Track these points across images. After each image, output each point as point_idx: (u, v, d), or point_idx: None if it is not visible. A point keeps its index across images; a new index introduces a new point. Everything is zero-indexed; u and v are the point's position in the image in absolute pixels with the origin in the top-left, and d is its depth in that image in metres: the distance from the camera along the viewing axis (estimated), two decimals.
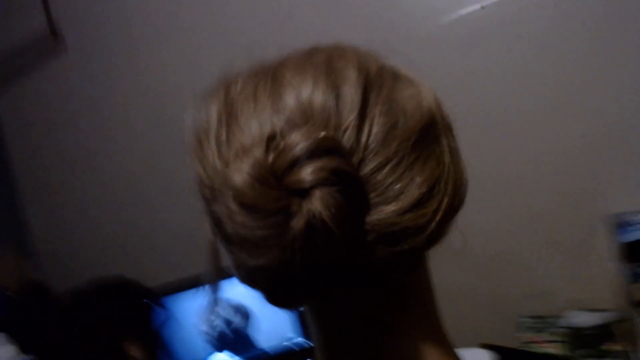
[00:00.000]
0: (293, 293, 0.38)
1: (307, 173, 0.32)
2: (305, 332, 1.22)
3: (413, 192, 0.36)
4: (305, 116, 0.36)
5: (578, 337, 1.15)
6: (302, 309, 0.43)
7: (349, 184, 0.34)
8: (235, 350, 1.22)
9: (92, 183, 1.85)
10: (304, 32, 1.35)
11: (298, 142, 0.33)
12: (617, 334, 1.15)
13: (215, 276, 0.41)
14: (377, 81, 0.39)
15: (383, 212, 0.35)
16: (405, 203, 0.36)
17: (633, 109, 1.22)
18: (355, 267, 0.36)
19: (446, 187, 0.38)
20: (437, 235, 0.38)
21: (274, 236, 0.33)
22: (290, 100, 0.37)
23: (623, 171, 1.25)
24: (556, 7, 1.24)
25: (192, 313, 1.23)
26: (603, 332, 1.14)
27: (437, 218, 0.37)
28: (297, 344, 1.22)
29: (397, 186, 0.36)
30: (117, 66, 1.75)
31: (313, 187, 0.32)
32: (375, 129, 0.36)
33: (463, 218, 0.41)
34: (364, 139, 0.36)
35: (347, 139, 0.36)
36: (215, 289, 0.41)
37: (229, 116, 0.38)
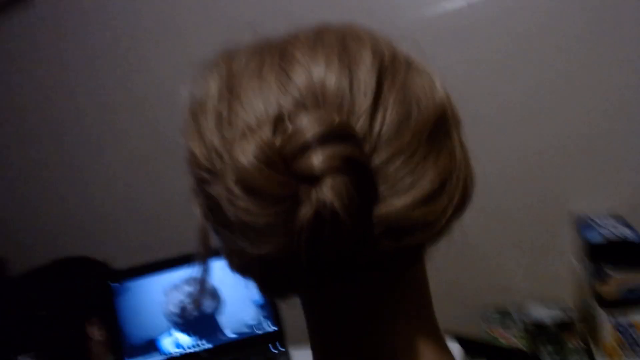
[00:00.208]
0: (290, 283, 0.37)
1: (318, 159, 0.30)
2: (273, 319, 1.21)
3: (425, 187, 0.35)
4: (316, 99, 0.34)
5: (540, 331, 1.19)
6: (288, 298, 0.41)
7: (361, 174, 0.32)
8: (199, 333, 1.20)
9: (54, 154, 1.72)
10: (283, 19, 1.32)
11: (310, 125, 0.31)
12: (577, 329, 1.20)
13: (204, 260, 0.39)
14: (391, 67, 0.37)
15: (392, 205, 0.34)
16: (415, 197, 0.34)
17: (599, 114, 1.26)
18: (357, 260, 0.34)
19: (457, 183, 0.37)
20: (444, 231, 0.37)
21: (279, 224, 0.31)
22: (299, 80, 0.35)
23: (587, 174, 1.30)
24: (532, 11, 1.27)
25: (155, 294, 1.20)
26: (564, 327, 1.18)
27: (448, 214, 0.36)
28: (263, 330, 1.21)
29: (409, 179, 0.34)
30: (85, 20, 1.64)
31: (324, 174, 0.30)
32: (388, 118, 0.35)
33: None
34: (377, 127, 0.34)
35: (360, 126, 0.34)
36: (204, 272, 0.39)
37: (231, 92, 0.36)
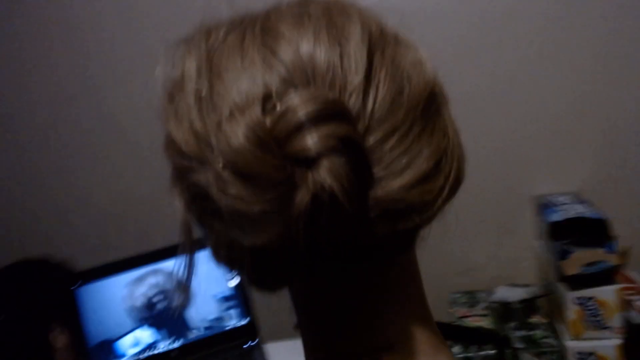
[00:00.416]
0: (284, 274, 0.35)
1: (313, 140, 0.29)
2: (244, 312, 1.20)
3: (420, 166, 0.33)
4: (306, 75, 0.32)
5: (506, 311, 1.22)
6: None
7: (358, 154, 0.30)
8: (166, 328, 1.18)
9: (4, 150, 1.59)
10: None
11: (301, 104, 0.29)
12: (541, 307, 1.23)
13: (189, 254, 0.37)
14: (380, 42, 0.35)
15: (388, 186, 0.32)
16: (411, 177, 0.33)
17: (561, 98, 1.30)
18: (353, 245, 0.33)
19: (452, 162, 0.36)
20: (438, 213, 0.35)
21: (275, 211, 0.29)
22: (286, 55, 0.33)
23: (548, 156, 1.33)
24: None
25: (119, 295, 1.17)
26: (528, 306, 1.21)
27: (444, 194, 0.35)
28: (234, 325, 1.20)
29: (404, 158, 0.33)
30: None
31: (320, 156, 0.29)
32: (381, 95, 0.33)
33: None
34: (370, 104, 0.32)
35: (353, 103, 0.32)
36: (189, 267, 0.37)
37: (210, 71, 0.34)
